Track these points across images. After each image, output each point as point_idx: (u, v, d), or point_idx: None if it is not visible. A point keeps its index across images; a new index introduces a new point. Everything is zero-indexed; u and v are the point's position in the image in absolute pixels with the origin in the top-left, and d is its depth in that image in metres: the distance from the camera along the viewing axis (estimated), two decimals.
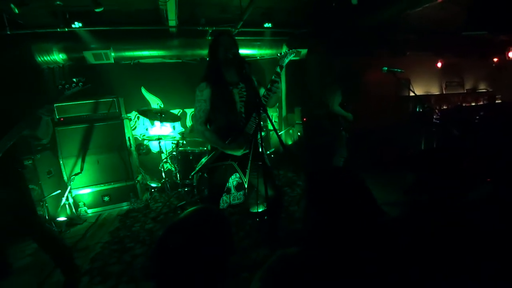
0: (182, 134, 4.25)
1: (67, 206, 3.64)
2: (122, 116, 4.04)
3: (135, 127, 4.96)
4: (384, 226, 0.88)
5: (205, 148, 3.76)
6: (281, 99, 5.78)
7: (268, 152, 4.45)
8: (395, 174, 3.81)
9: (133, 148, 4.28)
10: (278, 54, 2.23)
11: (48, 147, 3.67)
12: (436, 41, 5.86)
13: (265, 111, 1.80)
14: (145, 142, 4.84)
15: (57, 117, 3.71)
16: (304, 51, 5.18)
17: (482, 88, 7.86)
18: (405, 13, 3.94)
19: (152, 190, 4.39)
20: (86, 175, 3.79)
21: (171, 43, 4.58)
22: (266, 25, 4.66)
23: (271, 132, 5.16)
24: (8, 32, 3.54)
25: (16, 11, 3.14)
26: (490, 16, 3.88)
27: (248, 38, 4.84)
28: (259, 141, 1.86)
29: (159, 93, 4.97)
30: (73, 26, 3.84)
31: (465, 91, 7.56)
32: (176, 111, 4.96)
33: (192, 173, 3.65)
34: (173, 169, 4.25)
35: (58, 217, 3.48)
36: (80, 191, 3.78)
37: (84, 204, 3.81)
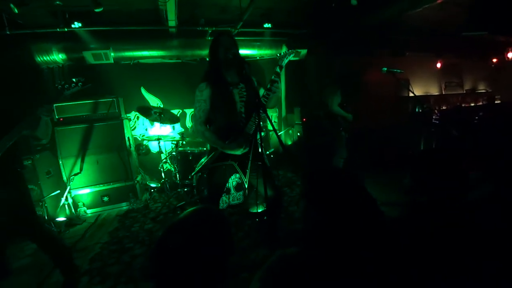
0: (181, 134, 4.25)
1: (66, 206, 3.63)
2: (122, 116, 4.03)
3: (135, 127, 4.96)
4: (383, 226, 0.88)
5: (205, 149, 3.76)
6: (281, 99, 5.78)
7: (267, 152, 4.46)
8: (394, 175, 3.81)
9: (132, 148, 4.28)
10: (278, 55, 2.23)
11: (47, 147, 3.66)
12: (435, 42, 5.87)
13: (265, 111, 1.80)
14: (145, 142, 4.83)
15: (57, 117, 3.70)
16: (303, 52, 5.19)
17: (481, 88, 7.88)
18: (405, 14, 3.94)
19: (152, 190, 4.38)
20: (85, 175, 3.79)
21: (171, 43, 4.58)
22: (266, 25, 4.67)
23: (270, 133, 5.16)
24: (8, 32, 3.54)
25: (16, 11, 3.14)
26: (490, 16, 3.89)
27: (248, 38, 4.85)
28: (259, 141, 1.86)
29: (159, 93, 4.97)
30: (72, 26, 3.84)
31: (464, 92, 7.58)
32: (175, 111, 4.97)
33: (192, 174, 3.65)
34: (172, 169, 4.25)
35: (57, 217, 3.47)
36: (80, 191, 3.78)
37: (84, 204, 3.80)
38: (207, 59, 2.21)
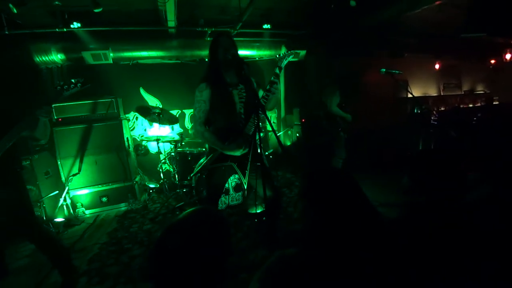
0: (180, 135, 4.25)
1: (64, 207, 3.62)
2: (121, 116, 4.03)
3: (134, 128, 4.95)
4: (382, 226, 0.88)
5: (204, 149, 3.76)
6: (280, 100, 5.79)
7: (266, 153, 4.46)
8: (393, 175, 3.81)
9: (131, 149, 4.27)
10: (277, 56, 2.23)
11: (46, 148, 3.65)
12: (434, 43, 5.89)
13: (264, 112, 1.80)
14: (144, 142, 4.83)
15: (55, 117, 3.69)
16: (303, 52, 5.19)
17: (480, 89, 7.91)
18: (404, 15, 3.96)
19: (151, 191, 4.38)
20: (84, 176, 3.78)
21: (170, 44, 4.58)
22: (265, 26, 4.68)
23: (269, 133, 5.17)
24: (7, 32, 3.53)
25: (15, 11, 3.13)
26: (488, 18, 3.90)
27: (247, 39, 4.85)
28: (258, 142, 1.86)
29: (158, 94, 4.97)
30: (71, 26, 3.84)
31: (463, 93, 7.61)
32: (174, 112, 4.96)
33: (191, 174, 3.65)
34: (171, 170, 4.25)
35: (56, 218, 3.46)
36: (78, 191, 3.77)
37: (82, 205, 3.79)
38: (206, 59, 2.21)
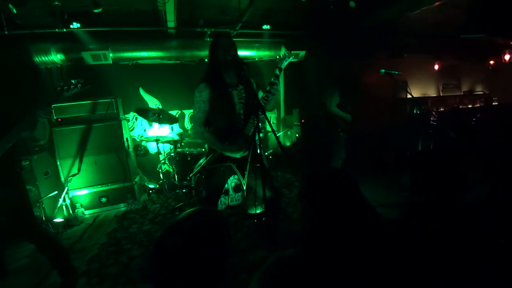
0: (180, 135, 4.24)
1: (64, 207, 3.62)
2: (120, 117, 4.02)
3: (133, 128, 4.95)
4: (381, 227, 0.88)
5: (203, 150, 3.76)
6: (280, 101, 5.79)
7: (266, 153, 4.46)
8: (393, 176, 3.82)
9: (131, 149, 4.27)
10: (277, 57, 2.24)
11: (45, 148, 3.65)
12: (433, 44, 5.90)
13: (263, 113, 1.80)
14: (143, 143, 4.82)
15: (55, 117, 3.69)
16: (302, 53, 5.20)
17: (479, 90, 7.92)
18: (403, 16, 3.96)
19: (150, 191, 4.37)
20: (83, 176, 3.78)
21: (170, 44, 4.58)
22: (265, 26, 4.68)
23: (269, 134, 5.17)
24: (6, 32, 3.52)
25: (14, 11, 3.13)
26: (488, 19, 3.91)
27: (247, 39, 4.85)
28: (258, 142, 1.86)
29: (158, 94, 4.97)
30: (71, 26, 3.83)
31: (462, 93, 7.62)
32: (174, 112, 4.96)
33: (191, 175, 3.65)
34: (171, 170, 4.25)
35: (55, 218, 3.45)
36: (77, 192, 3.77)
37: (81, 205, 3.79)
38: (206, 60, 2.21)
